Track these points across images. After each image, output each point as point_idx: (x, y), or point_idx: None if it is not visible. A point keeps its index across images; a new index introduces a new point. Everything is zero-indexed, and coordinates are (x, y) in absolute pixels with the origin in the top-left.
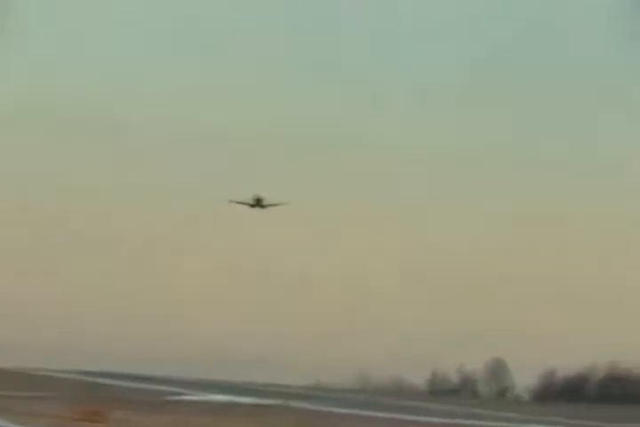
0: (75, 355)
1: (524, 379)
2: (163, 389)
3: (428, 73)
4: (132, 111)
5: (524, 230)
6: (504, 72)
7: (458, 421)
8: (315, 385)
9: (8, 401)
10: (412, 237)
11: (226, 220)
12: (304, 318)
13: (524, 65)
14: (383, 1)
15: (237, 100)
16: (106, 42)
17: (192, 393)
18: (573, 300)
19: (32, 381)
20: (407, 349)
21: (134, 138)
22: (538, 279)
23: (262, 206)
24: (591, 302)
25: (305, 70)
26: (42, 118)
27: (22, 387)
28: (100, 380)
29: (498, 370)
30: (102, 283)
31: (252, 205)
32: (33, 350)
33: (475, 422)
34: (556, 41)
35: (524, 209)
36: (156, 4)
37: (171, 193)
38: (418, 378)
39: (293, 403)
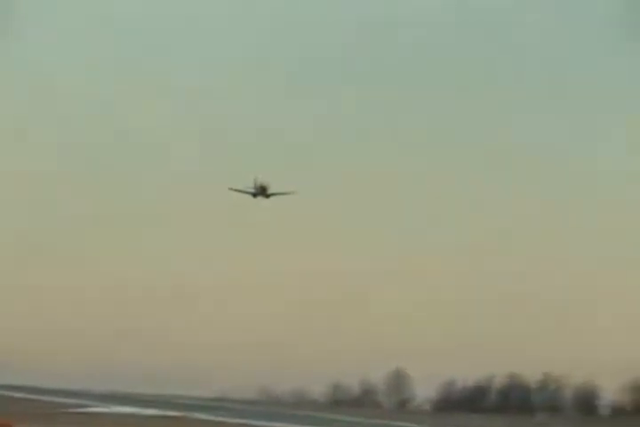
0: None
1: (425, 390)
2: (68, 401)
3: None
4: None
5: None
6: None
7: None
8: (217, 397)
9: None
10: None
11: None
12: (210, 331)
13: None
14: None
15: None
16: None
17: (98, 405)
18: (471, 313)
19: None
20: (309, 361)
21: None
22: (435, 295)
23: (266, 196)
24: (488, 315)
25: None
26: None
27: None
28: (4, 393)
29: (399, 381)
30: None
31: (255, 194)
32: None
33: None
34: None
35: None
36: None
37: None
38: (320, 389)
39: (196, 414)
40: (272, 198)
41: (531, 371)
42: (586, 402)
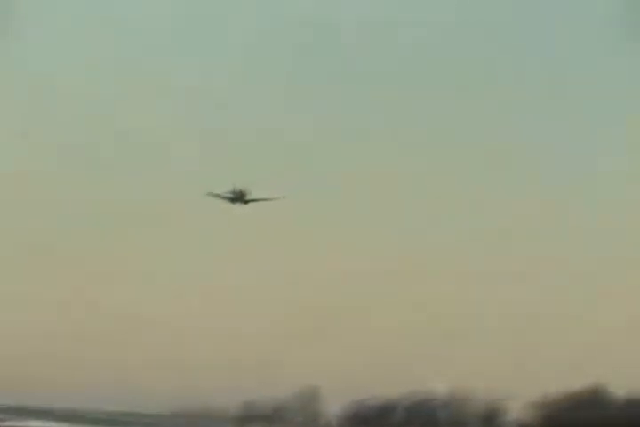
0: None
1: (335, 406)
2: None
3: None
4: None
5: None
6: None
7: None
8: (126, 411)
9: None
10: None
11: None
12: (122, 347)
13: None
14: None
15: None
16: None
17: (10, 418)
18: (375, 333)
19: None
20: (219, 377)
21: None
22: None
23: (244, 202)
24: (396, 335)
25: None
26: None
27: None
28: None
29: (309, 398)
30: None
31: (233, 200)
32: None
33: None
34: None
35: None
36: None
37: None
38: (231, 405)
39: None
40: (252, 204)
41: (441, 386)
42: (491, 418)
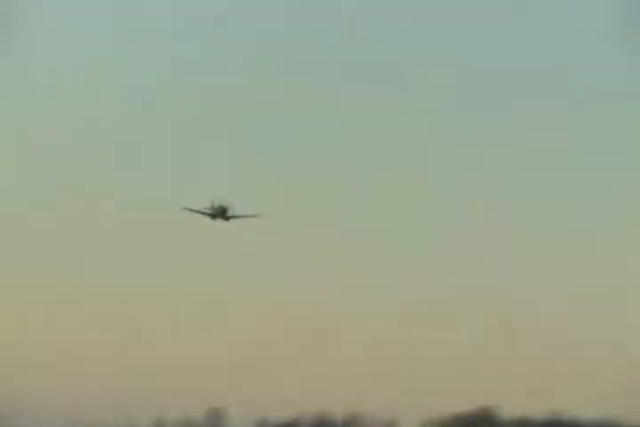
0: None
1: (240, 425)
2: None
3: None
4: None
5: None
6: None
7: None
8: None
9: None
10: None
11: None
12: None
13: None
14: None
15: None
16: None
17: None
18: (282, 355)
19: None
20: (105, 397)
21: None
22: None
23: (226, 218)
24: (299, 356)
25: None
26: None
27: None
28: None
29: (215, 419)
30: None
31: (213, 216)
32: None
33: None
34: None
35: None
36: None
37: None
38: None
39: None
40: (233, 221)
41: (340, 408)
42: None
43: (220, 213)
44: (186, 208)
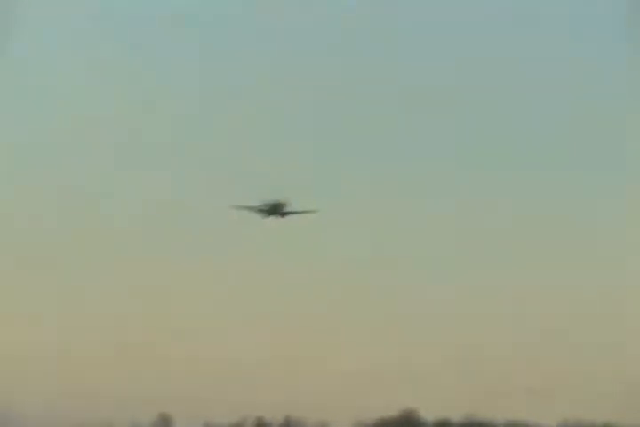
0: None
1: None
2: None
3: None
4: None
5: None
6: None
7: None
8: None
9: None
10: None
11: None
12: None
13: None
14: None
15: None
16: None
17: None
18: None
19: None
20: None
21: None
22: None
23: (281, 214)
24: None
25: None
26: None
27: None
28: None
29: (164, 425)
30: None
31: (267, 213)
32: None
33: None
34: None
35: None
36: None
37: None
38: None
39: None
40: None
41: (276, 413)
42: None
43: (276, 210)
44: (235, 206)
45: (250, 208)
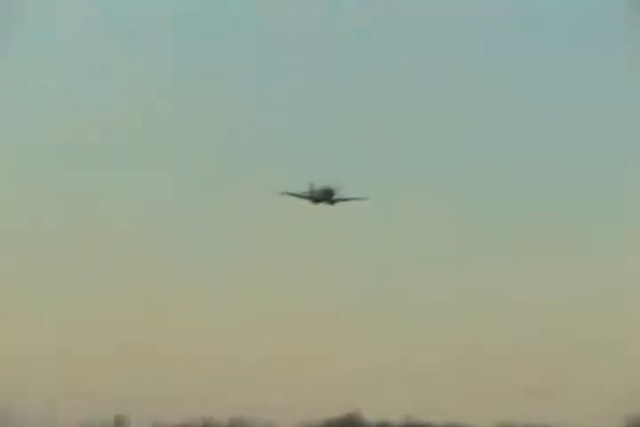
0: None
1: None
2: None
3: None
4: None
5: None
6: None
7: None
8: None
9: None
10: None
11: None
12: None
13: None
14: None
15: None
16: None
17: None
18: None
19: None
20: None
21: None
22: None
23: (331, 202)
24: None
25: None
26: None
27: None
28: None
29: (118, 425)
30: None
31: (317, 200)
32: None
33: None
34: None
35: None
36: None
37: None
38: None
39: None
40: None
41: (222, 415)
42: None
43: (326, 196)
44: (285, 192)
45: (300, 195)
